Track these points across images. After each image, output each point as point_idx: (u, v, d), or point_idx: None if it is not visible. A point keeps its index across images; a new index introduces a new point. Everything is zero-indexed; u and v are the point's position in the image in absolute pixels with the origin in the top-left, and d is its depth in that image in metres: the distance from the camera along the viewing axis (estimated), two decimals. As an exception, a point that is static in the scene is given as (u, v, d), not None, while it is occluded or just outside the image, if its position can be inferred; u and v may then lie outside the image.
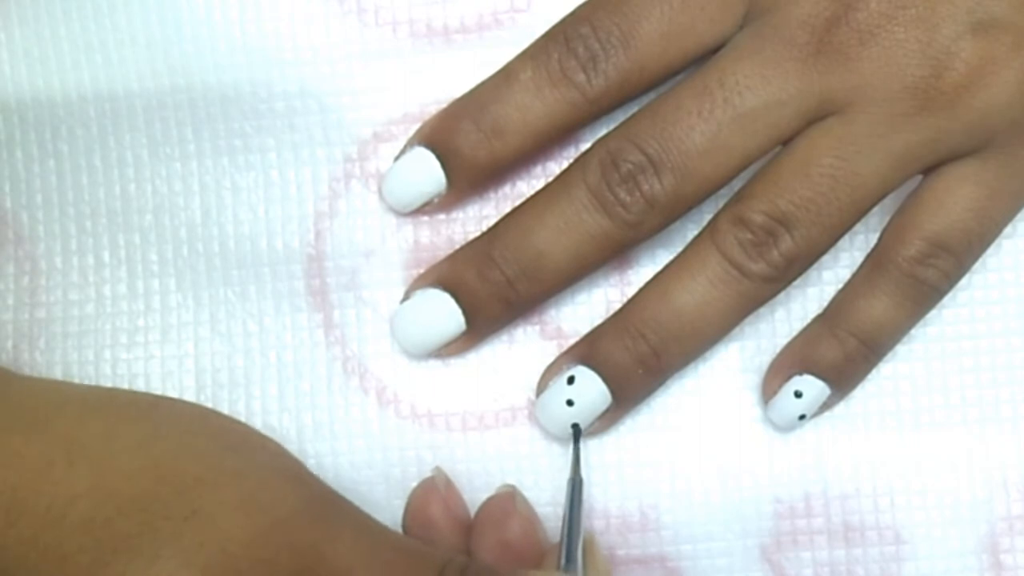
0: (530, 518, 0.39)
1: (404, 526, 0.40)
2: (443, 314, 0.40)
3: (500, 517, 0.39)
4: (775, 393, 0.40)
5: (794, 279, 0.39)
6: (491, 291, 0.39)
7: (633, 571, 0.41)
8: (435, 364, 0.42)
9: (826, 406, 0.41)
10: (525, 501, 0.40)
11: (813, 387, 0.40)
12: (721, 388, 0.42)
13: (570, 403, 0.39)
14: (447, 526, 0.39)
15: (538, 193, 0.39)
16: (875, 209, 0.39)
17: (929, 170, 0.39)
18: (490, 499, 0.39)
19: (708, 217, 0.40)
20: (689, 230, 0.41)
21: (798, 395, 0.40)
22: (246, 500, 0.34)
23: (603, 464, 0.42)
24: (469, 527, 0.39)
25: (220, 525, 0.33)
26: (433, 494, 0.39)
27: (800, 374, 0.40)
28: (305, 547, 0.33)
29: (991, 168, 0.38)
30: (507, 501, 0.39)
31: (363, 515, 0.36)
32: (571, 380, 0.39)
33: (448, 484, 0.40)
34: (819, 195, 0.37)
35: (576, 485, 0.38)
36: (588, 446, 0.42)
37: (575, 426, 0.39)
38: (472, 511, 0.41)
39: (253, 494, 0.34)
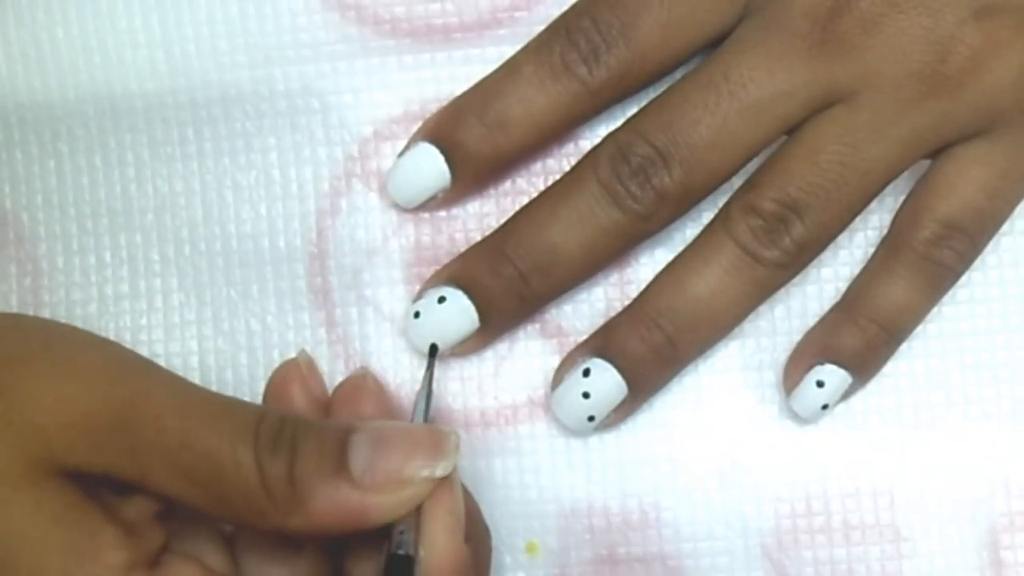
0: (380, 394, 0.38)
1: (263, 402, 0.39)
2: (456, 312, 0.39)
3: (352, 394, 0.38)
4: (797, 384, 0.40)
5: (806, 265, 0.38)
6: (505, 287, 0.38)
7: (634, 570, 0.40)
8: (436, 363, 0.40)
9: (847, 395, 0.40)
10: (376, 380, 0.39)
11: (835, 376, 0.39)
12: (722, 386, 0.41)
13: (586, 396, 0.39)
14: (304, 403, 0.38)
15: (549, 189, 0.39)
16: (873, 203, 0.38)
17: (937, 153, 0.38)
18: (344, 379, 0.39)
19: (706, 216, 0.39)
20: (688, 228, 0.40)
21: (820, 385, 0.39)
22: (53, 370, 0.33)
23: (603, 462, 0.41)
24: (326, 407, 0.38)
25: (28, 399, 0.32)
26: (294, 373, 0.38)
27: (821, 363, 0.39)
28: (115, 403, 0.32)
29: (999, 148, 0.38)
30: (359, 379, 0.38)
31: (178, 376, 0.35)
32: (587, 372, 0.39)
33: (310, 365, 0.39)
34: (828, 181, 0.37)
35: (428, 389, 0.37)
36: (589, 444, 0.41)
37: (433, 346, 0.39)
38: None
39: (60, 363, 0.33)
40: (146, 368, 0.34)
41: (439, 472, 0.33)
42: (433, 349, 0.38)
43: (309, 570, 0.36)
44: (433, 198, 0.40)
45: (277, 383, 0.38)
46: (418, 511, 0.33)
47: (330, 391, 0.39)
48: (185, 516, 0.34)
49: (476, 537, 0.36)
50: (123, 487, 0.33)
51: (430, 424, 0.36)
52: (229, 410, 0.33)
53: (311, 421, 0.33)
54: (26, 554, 0.31)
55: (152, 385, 0.33)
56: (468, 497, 0.36)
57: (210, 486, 0.32)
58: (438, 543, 0.33)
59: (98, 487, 0.32)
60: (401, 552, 0.33)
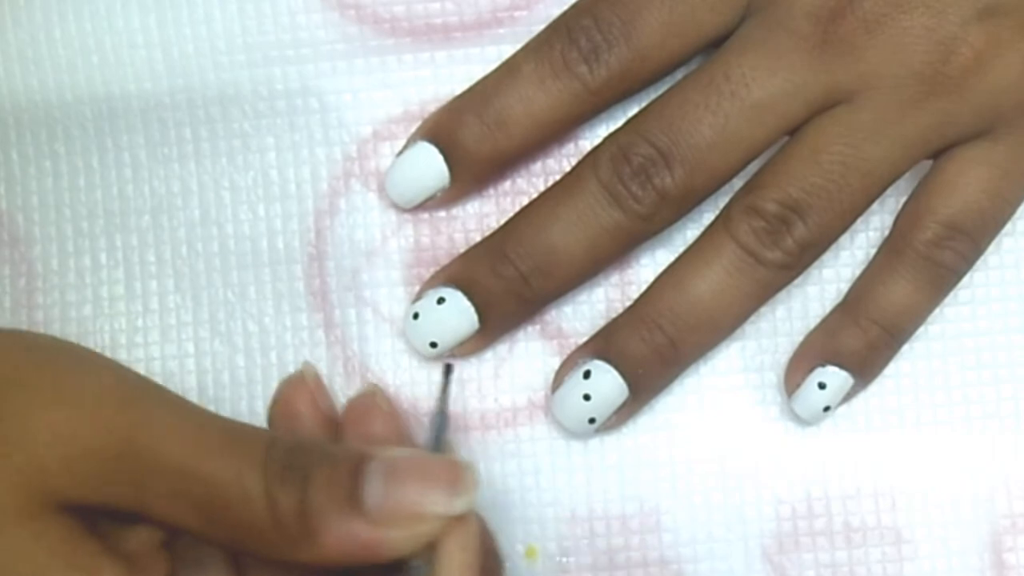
0: (392, 414, 0.37)
1: (269, 419, 0.37)
2: (456, 313, 0.38)
3: (363, 413, 0.37)
4: (798, 386, 0.39)
5: (808, 266, 0.38)
6: (505, 288, 0.38)
7: (633, 574, 0.40)
8: (436, 364, 0.41)
9: (849, 396, 0.40)
10: (387, 399, 0.38)
11: (837, 378, 0.39)
12: (722, 388, 0.41)
13: (587, 398, 0.38)
14: (313, 420, 0.37)
15: (550, 189, 0.39)
16: (874, 204, 0.38)
17: (939, 154, 0.38)
18: (353, 397, 0.38)
19: (708, 216, 0.39)
20: (689, 229, 0.40)
21: (822, 386, 0.39)
22: (52, 397, 0.32)
23: (603, 466, 0.41)
24: (335, 424, 0.37)
25: (25, 429, 0.31)
26: (301, 390, 0.37)
27: (823, 365, 0.39)
28: (117, 432, 0.31)
29: (1001, 149, 0.38)
30: (369, 398, 0.37)
31: (182, 399, 0.33)
32: (587, 375, 0.38)
33: (317, 380, 0.38)
34: (830, 182, 0.37)
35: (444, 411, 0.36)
36: (589, 447, 0.40)
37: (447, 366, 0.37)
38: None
39: (59, 390, 0.32)
40: (148, 391, 0.33)
41: (456, 509, 0.31)
42: (448, 369, 0.37)
43: None
44: (432, 198, 0.39)
45: (285, 401, 0.37)
46: (432, 545, 0.32)
47: (330, 394, 0.39)
48: (191, 540, 0.33)
49: (489, 570, 0.35)
50: (125, 516, 0.32)
51: (448, 456, 0.34)
52: (236, 436, 0.32)
53: (322, 448, 0.32)
54: None
55: (154, 410, 0.32)
56: (482, 524, 0.35)
57: (216, 516, 0.31)
58: None
59: (98, 518, 0.31)
60: None
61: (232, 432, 0.32)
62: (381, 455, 0.32)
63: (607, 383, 0.38)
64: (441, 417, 0.35)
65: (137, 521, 0.32)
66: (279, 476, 0.31)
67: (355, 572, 0.35)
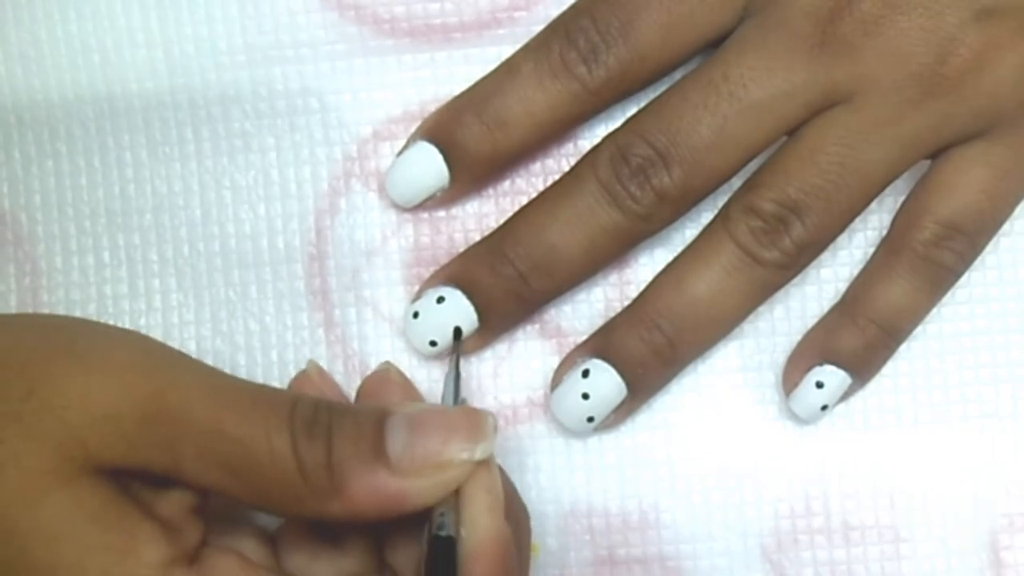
0: (406, 385, 0.38)
1: None
2: (455, 312, 0.39)
3: (379, 387, 0.37)
4: (796, 385, 0.40)
5: (806, 266, 0.38)
6: (504, 287, 0.38)
7: (633, 571, 0.40)
8: (435, 363, 0.41)
9: (847, 395, 0.40)
10: (400, 373, 0.38)
11: (835, 377, 0.39)
12: (721, 387, 0.41)
13: (585, 396, 0.38)
14: None
15: (549, 189, 0.39)
16: (872, 203, 0.38)
17: (937, 154, 0.38)
18: (368, 375, 0.38)
19: (706, 216, 0.39)
20: (687, 228, 0.40)
21: (820, 386, 0.39)
22: (80, 365, 0.32)
23: (602, 464, 0.41)
24: None
25: (57, 396, 0.31)
26: (306, 384, 0.38)
27: (821, 364, 0.39)
28: (145, 395, 0.32)
29: (999, 150, 0.38)
30: (384, 374, 0.38)
31: (208, 366, 0.34)
32: (586, 373, 0.38)
33: (320, 373, 0.38)
34: (828, 183, 0.37)
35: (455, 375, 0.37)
36: (588, 445, 0.41)
37: (457, 329, 0.39)
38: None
39: (87, 358, 0.32)
40: (175, 358, 0.34)
41: (478, 455, 0.32)
42: (458, 332, 0.38)
43: (354, 565, 0.35)
44: (432, 197, 0.39)
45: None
46: (457, 492, 0.33)
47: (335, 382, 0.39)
48: (222, 508, 0.34)
49: (515, 515, 0.35)
50: (158, 481, 0.32)
51: (465, 406, 0.35)
52: (262, 397, 0.32)
53: (346, 405, 0.33)
54: (65, 556, 0.31)
55: (181, 375, 0.32)
56: (503, 475, 0.35)
57: (245, 475, 0.31)
58: (479, 523, 0.33)
59: (132, 483, 0.32)
60: (443, 534, 0.33)
61: (258, 393, 0.32)
62: (402, 409, 0.33)
63: (606, 382, 0.38)
64: (455, 376, 0.36)
65: (170, 486, 0.32)
66: (305, 432, 0.31)
67: (382, 538, 0.35)
